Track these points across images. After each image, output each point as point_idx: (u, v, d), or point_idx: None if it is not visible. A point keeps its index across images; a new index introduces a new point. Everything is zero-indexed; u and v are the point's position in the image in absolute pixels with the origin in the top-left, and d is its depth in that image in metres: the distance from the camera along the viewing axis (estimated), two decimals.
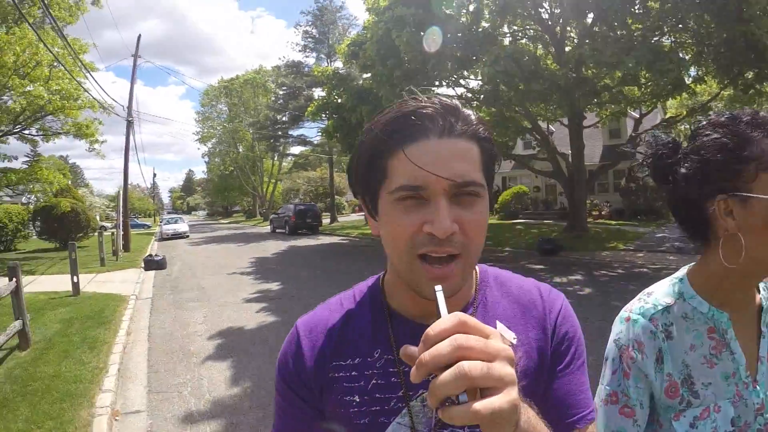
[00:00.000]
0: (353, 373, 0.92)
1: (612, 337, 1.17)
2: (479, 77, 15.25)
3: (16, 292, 6.90)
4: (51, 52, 15.02)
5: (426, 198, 0.78)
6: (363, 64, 17.99)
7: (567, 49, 15.52)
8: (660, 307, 1.13)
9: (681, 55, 13.16)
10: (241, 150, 58.76)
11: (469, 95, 18.34)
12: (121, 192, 26.85)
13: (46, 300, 10.54)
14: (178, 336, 8.18)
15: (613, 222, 24.29)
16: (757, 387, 1.10)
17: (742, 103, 14.81)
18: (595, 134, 27.69)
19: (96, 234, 23.56)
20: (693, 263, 1.18)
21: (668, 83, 12.73)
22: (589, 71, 13.46)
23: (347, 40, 20.87)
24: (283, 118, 42.43)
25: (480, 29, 14.73)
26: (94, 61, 18.10)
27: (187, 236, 36.00)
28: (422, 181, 0.77)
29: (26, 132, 19.36)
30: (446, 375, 0.57)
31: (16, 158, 23.33)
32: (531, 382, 0.91)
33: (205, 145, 62.13)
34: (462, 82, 18.56)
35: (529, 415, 0.70)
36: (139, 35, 27.48)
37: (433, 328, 0.61)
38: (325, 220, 39.30)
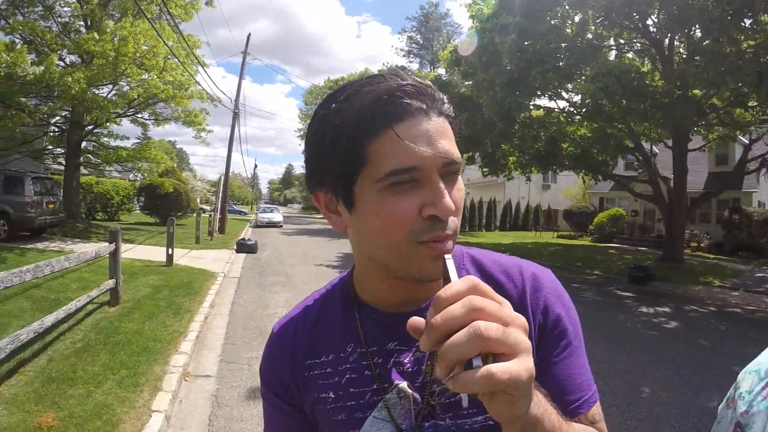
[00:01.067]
0: (327, 370, 0.90)
1: None
2: (580, 91, 14.83)
3: (114, 254, 7.47)
4: (167, 46, 16.12)
5: (418, 180, 0.73)
6: (465, 71, 18.02)
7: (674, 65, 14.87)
8: None
9: None
10: None
11: (571, 109, 17.93)
12: (223, 178, 28.32)
13: (140, 267, 11.30)
14: (258, 315, 8.54)
15: (712, 256, 22.86)
16: None
17: None
18: (700, 159, 26.10)
19: (194, 214, 24.93)
20: None
21: None
22: (695, 90, 12.79)
23: (450, 47, 20.96)
24: None
25: (584, 41, 14.39)
26: (206, 56, 19.38)
27: (281, 226, 37.24)
28: (417, 162, 0.72)
29: (139, 116, 20.74)
30: (460, 335, 0.54)
31: (128, 138, 25.17)
32: None
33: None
34: (564, 94, 18.18)
35: (539, 396, 0.65)
36: (249, 34, 29.04)
37: (445, 291, 0.58)
38: None
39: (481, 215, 39.66)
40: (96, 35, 15.22)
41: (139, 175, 25.53)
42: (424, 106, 0.73)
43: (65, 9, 18.76)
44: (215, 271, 12.30)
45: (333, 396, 0.88)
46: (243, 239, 19.12)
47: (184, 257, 13.98)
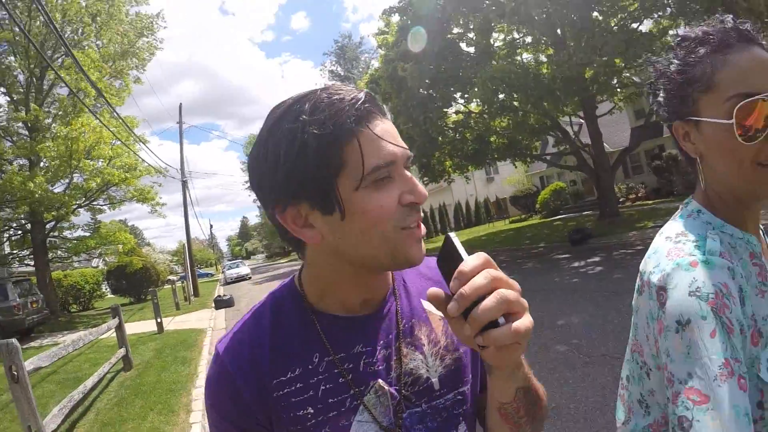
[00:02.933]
0: (298, 386, 0.87)
1: (682, 291, 0.88)
2: (473, 97, 16.50)
3: (119, 327, 8.67)
4: (116, 136, 17.54)
5: (391, 174, 0.80)
6: (382, 97, 19.59)
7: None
8: (718, 240, 0.95)
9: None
10: None
11: (474, 113, 19.64)
12: (185, 246, 29.26)
13: (136, 338, 12.38)
14: None
15: (650, 202, 24.58)
16: None
17: None
18: (621, 119, 28.14)
19: (165, 286, 25.80)
20: (688, 199, 1.10)
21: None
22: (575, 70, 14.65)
23: (365, 77, 22.61)
24: None
25: (477, 50, 16.17)
26: (142, 129, 20.88)
27: (249, 278, 38.25)
28: (393, 157, 0.79)
29: (95, 203, 21.61)
30: (489, 301, 0.66)
31: (78, 226, 25.75)
32: (468, 348, 0.98)
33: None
34: (462, 102, 19.93)
35: None
36: (180, 104, 30.13)
37: (466, 265, 0.68)
38: None
39: (435, 221, 41.22)
40: (51, 143, 16.38)
41: (103, 260, 26.21)
42: (378, 110, 0.81)
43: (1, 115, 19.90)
44: (203, 328, 13.44)
45: (312, 411, 0.86)
46: (219, 296, 20.23)
47: (170, 324, 14.99)
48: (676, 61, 0.99)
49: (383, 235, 0.79)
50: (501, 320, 0.66)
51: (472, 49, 16.67)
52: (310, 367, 0.88)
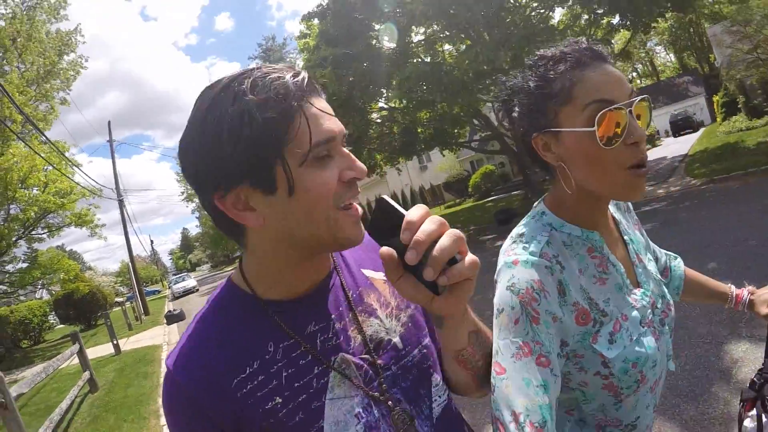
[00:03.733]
0: (261, 378, 0.85)
1: (502, 285, 1.04)
2: (393, 97, 17.48)
3: (81, 352, 9.20)
4: (48, 162, 17.57)
5: (330, 152, 0.81)
6: None
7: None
8: (543, 241, 1.08)
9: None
10: None
11: (395, 110, 20.61)
12: (129, 266, 29.18)
13: (96, 362, 12.75)
14: None
15: None
16: (642, 288, 1.17)
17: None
18: None
19: (114, 309, 25.79)
20: (539, 200, 1.21)
21: None
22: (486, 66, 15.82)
23: None
24: None
25: (396, 50, 17.17)
26: (69, 145, 20.40)
27: (197, 290, 38.11)
28: (332, 134, 0.80)
29: (33, 233, 21.40)
30: (444, 240, 0.71)
31: (22, 258, 25.05)
32: (418, 307, 1.05)
33: (192, 201, 64.34)
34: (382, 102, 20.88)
35: None
36: (109, 122, 29.76)
37: (412, 216, 0.73)
38: None
39: (371, 214, 42.16)
40: None
41: (46, 290, 25.91)
42: (315, 90, 0.83)
43: None
44: (159, 344, 13.96)
45: (281, 400, 0.85)
46: (169, 312, 20.64)
47: (125, 344, 15.36)
48: (534, 78, 1.07)
49: (325, 215, 0.80)
50: (458, 257, 0.72)
51: (393, 45, 17.56)
52: (267, 357, 0.86)
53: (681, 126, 37.31)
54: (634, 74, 61.29)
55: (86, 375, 9.07)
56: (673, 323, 1.24)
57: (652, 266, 1.28)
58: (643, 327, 1.11)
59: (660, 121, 41.16)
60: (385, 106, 21.43)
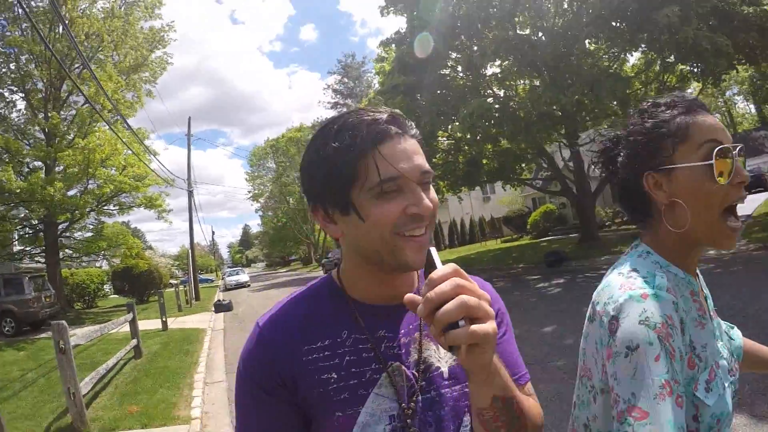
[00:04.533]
0: (326, 353, 0.98)
1: (633, 320, 0.98)
2: (455, 131, 17.80)
3: (133, 321, 10.02)
4: (129, 148, 19.07)
5: (401, 188, 0.92)
6: None
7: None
8: (665, 278, 1.06)
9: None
10: (291, 203, 62.00)
11: (453, 141, 20.93)
12: (189, 252, 30.48)
13: (143, 334, 13.52)
14: None
15: (633, 226, 24.80)
16: (722, 341, 1.19)
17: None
18: None
19: (168, 289, 27.01)
20: (636, 241, 1.22)
21: (612, 100, 15.26)
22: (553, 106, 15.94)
23: (364, 101, 23.87)
24: None
25: (464, 83, 17.58)
26: (150, 135, 22.37)
27: (248, 285, 39.30)
28: (399, 173, 0.91)
29: (105, 208, 22.90)
30: (450, 304, 0.74)
31: (88, 229, 26.00)
32: None
33: (257, 201, 66.16)
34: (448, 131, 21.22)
35: (497, 356, 0.88)
36: (189, 117, 31.25)
37: (436, 273, 0.78)
38: None
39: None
40: (71, 152, 18.15)
41: (107, 261, 27.44)
42: (400, 131, 0.95)
43: (14, 116, 21.59)
44: (203, 328, 14.72)
45: (336, 376, 0.97)
46: (218, 301, 21.54)
47: (172, 323, 16.25)
48: (650, 119, 1.13)
49: (381, 237, 0.92)
50: (461, 322, 0.75)
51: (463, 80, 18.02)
52: (338, 340, 1.00)
53: (752, 184, 35.13)
54: None
55: (133, 342, 9.86)
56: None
57: (723, 324, 1.30)
58: (730, 377, 1.12)
59: None
60: (453, 136, 21.79)
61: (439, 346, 1.05)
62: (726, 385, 1.08)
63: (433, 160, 20.35)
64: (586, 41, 15.41)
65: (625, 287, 1.05)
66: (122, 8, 22.61)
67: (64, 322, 5.89)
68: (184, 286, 27.62)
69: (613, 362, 0.99)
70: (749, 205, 25.35)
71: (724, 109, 54.87)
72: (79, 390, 5.77)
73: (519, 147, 19.61)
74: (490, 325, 0.77)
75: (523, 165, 24.04)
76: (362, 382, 0.98)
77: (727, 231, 1.07)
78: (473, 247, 35.97)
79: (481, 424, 0.95)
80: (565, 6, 16.27)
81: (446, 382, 1.03)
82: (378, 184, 0.90)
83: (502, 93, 19.14)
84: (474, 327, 0.75)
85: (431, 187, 0.98)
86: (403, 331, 1.04)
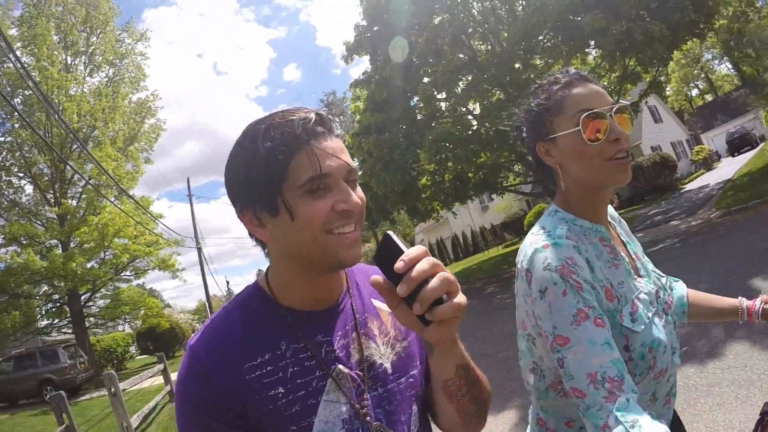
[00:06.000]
0: (269, 368, 0.96)
1: (539, 268, 1.16)
2: (424, 158, 18.67)
3: (165, 370, 11.63)
4: (138, 222, 21.20)
5: (328, 186, 0.94)
6: (361, 158, 22.02)
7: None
8: (565, 229, 1.22)
9: None
10: None
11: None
12: (206, 305, 31.52)
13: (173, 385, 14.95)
14: None
15: (623, 211, 24.67)
16: (645, 278, 1.32)
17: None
18: None
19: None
20: (550, 203, 1.38)
21: None
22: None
23: (348, 138, 25.06)
24: None
25: (425, 114, 19.04)
26: (152, 200, 24.26)
27: None
28: (327, 170, 0.92)
29: (122, 275, 24.44)
30: (435, 281, 0.80)
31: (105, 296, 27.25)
32: (415, 337, 1.16)
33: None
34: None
35: None
36: (188, 178, 31.82)
37: (410, 254, 0.83)
38: None
39: (434, 254, 42.76)
40: (86, 229, 19.93)
41: (129, 324, 29.07)
42: (325, 130, 0.96)
43: (24, 200, 23.31)
44: None
45: (283, 390, 0.95)
46: None
47: None
48: (535, 99, 1.31)
49: (312, 236, 0.93)
50: (444, 297, 0.81)
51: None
52: (278, 352, 0.98)
53: (738, 145, 35.61)
54: (695, 93, 57.64)
55: (167, 388, 11.24)
56: (676, 319, 1.36)
57: (650, 266, 1.42)
58: (652, 308, 1.24)
59: (719, 141, 38.98)
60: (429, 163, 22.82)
61: (380, 343, 1.09)
62: (650, 315, 1.21)
63: (418, 185, 21.43)
64: (527, 56, 16.50)
65: (532, 243, 1.22)
66: (109, 86, 24.33)
67: (112, 371, 7.15)
68: None
69: (534, 307, 1.16)
70: (737, 166, 25.52)
71: (702, 76, 54.68)
72: (131, 424, 7.03)
73: (499, 157, 20.59)
74: (463, 297, 0.85)
75: (508, 173, 24.76)
76: (310, 391, 0.97)
77: (611, 169, 1.21)
78: (476, 257, 36.18)
79: (447, 395, 1.03)
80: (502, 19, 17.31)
81: (391, 377, 1.07)
82: (308, 182, 0.92)
83: (467, 112, 20.12)
84: (457, 300, 0.84)
85: (357, 185, 1.00)
86: (340, 333, 1.05)
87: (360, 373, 1.04)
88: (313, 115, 0.96)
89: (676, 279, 1.63)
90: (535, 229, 1.29)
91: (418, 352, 1.15)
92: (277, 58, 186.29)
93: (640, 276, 1.32)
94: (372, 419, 1.02)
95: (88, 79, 23.92)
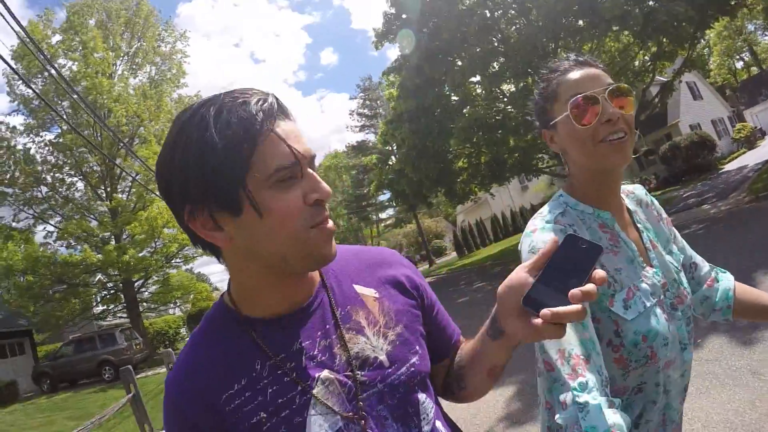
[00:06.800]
0: (247, 395, 0.89)
1: (525, 250, 1.19)
2: (454, 144, 19.24)
3: None
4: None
5: (294, 174, 0.83)
6: (396, 145, 22.44)
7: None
8: (558, 212, 1.24)
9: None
10: (341, 225, 63.05)
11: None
12: None
13: None
14: None
15: (659, 192, 24.84)
16: (655, 269, 1.28)
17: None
18: None
19: None
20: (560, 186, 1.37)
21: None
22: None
23: (382, 126, 25.46)
24: (366, 191, 47.60)
25: (458, 97, 19.38)
26: None
27: None
28: (296, 158, 0.83)
29: (173, 262, 25.83)
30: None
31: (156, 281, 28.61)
32: (408, 321, 1.06)
33: None
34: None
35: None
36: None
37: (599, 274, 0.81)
38: (424, 266, 43.16)
39: (474, 236, 43.00)
40: (137, 223, 21.36)
41: (179, 308, 30.82)
42: (282, 111, 0.86)
43: (78, 195, 24.82)
44: None
45: (265, 415, 0.88)
46: None
47: None
48: (538, 87, 1.33)
49: (293, 235, 0.83)
50: None
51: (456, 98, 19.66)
52: (254, 374, 0.90)
53: None
54: (740, 65, 55.13)
55: None
56: (690, 313, 1.32)
57: (670, 258, 1.36)
58: (653, 299, 1.21)
59: (764, 117, 37.75)
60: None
61: (370, 335, 0.99)
62: (648, 305, 1.19)
63: (457, 165, 21.76)
64: (555, 40, 16.55)
65: (528, 227, 1.25)
66: (152, 86, 25.59)
67: (169, 349, 7.70)
68: None
69: None
70: None
71: (745, 48, 52.53)
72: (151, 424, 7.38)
73: (532, 140, 20.76)
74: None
75: (544, 154, 24.85)
76: (294, 409, 0.90)
77: (604, 151, 1.19)
78: (516, 238, 35.03)
79: (490, 376, 1.05)
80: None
81: (389, 370, 0.98)
82: (277, 171, 0.81)
83: (501, 93, 20.19)
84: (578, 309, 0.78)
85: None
86: (319, 333, 0.96)
87: (350, 373, 0.94)
88: (270, 97, 0.86)
89: (724, 270, 1.54)
90: (537, 213, 1.31)
91: (415, 336, 1.06)
92: (313, 43, 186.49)
93: (651, 266, 1.28)
94: (369, 423, 0.93)
95: (131, 80, 25.12)
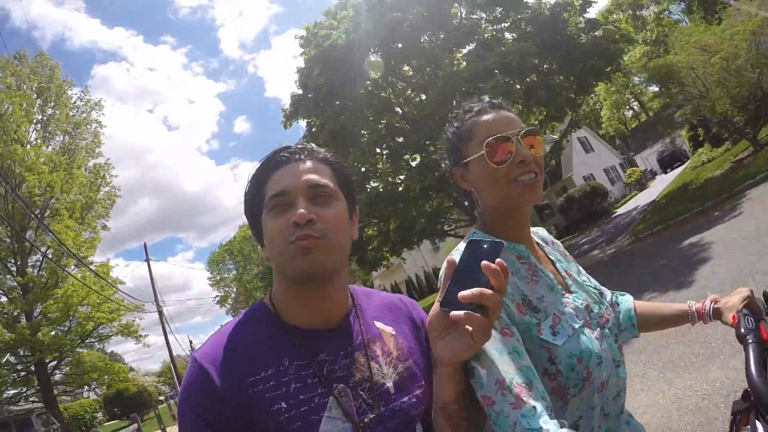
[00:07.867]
0: (272, 383, 0.98)
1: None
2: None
3: (139, 429, 12.19)
4: (99, 293, 21.96)
5: (290, 203, 1.04)
6: None
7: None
8: None
9: None
10: (258, 297, 58.55)
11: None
12: (171, 367, 31.32)
13: None
14: None
15: (560, 240, 26.11)
16: (575, 294, 1.33)
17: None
18: None
19: (160, 406, 28.68)
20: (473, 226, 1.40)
21: None
22: None
23: None
24: None
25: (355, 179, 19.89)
26: (112, 266, 24.80)
27: None
28: (283, 188, 1.05)
29: (87, 341, 24.83)
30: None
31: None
32: (418, 358, 1.18)
33: (224, 305, 61.94)
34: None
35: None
36: (145, 242, 32.32)
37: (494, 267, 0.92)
38: None
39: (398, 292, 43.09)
40: (52, 301, 20.78)
41: (93, 390, 29.48)
42: (299, 156, 1.11)
43: None
44: None
45: (285, 405, 0.97)
46: None
47: None
48: (451, 127, 1.38)
49: (280, 250, 1.04)
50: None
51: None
52: (281, 368, 1.01)
53: (668, 162, 36.68)
54: (629, 114, 58.63)
55: None
56: (617, 331, 1.38)
57: (587, 281, 1.46)
58: (580, 320, 1.24)
59: (653, 160, 40.25)
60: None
61: (382, 364, 1.12)
62: (576, 327, 1.22)
63: (367, 233, 21.97)
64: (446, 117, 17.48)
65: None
66: (65, 155, 24.70)
67: None
68: (174, 400, 29.03)
69: None
70: (662, 185, 26.66)
71: (633, 101, 56.01)
72: None
73: (437, 205, 21.58)
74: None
75: (449, 218, 25.63)
76: (312, 407, 0.99)
77: (517, 190, 1.25)
78: (432, 298, 35.21)
79: (445, 418, 1.05)
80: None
81: (393, 396, 1.08)
82: (270, 200, 1.07)
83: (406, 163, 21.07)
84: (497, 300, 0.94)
85: (333, 201, 1.10)
86: (342, 352, 1.09)
87: (361, 392, 1.06)
88: (281, 147, 1.14)
89: (623, 293, 1.67)
90: (454, 249, 1.31)
91: (421, 372, 1.16)
92: (226, 110, 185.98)
93: (570, 292, 1.33)
94: None
95: (43, 149, 24.04)
